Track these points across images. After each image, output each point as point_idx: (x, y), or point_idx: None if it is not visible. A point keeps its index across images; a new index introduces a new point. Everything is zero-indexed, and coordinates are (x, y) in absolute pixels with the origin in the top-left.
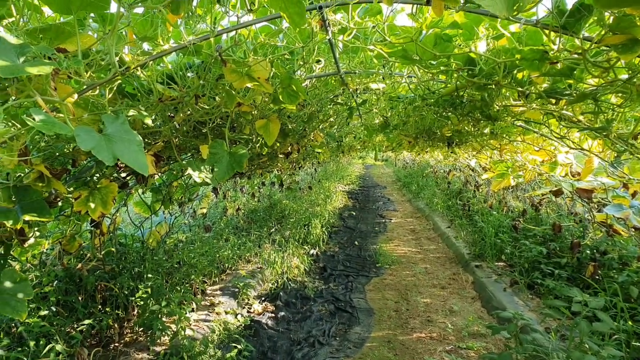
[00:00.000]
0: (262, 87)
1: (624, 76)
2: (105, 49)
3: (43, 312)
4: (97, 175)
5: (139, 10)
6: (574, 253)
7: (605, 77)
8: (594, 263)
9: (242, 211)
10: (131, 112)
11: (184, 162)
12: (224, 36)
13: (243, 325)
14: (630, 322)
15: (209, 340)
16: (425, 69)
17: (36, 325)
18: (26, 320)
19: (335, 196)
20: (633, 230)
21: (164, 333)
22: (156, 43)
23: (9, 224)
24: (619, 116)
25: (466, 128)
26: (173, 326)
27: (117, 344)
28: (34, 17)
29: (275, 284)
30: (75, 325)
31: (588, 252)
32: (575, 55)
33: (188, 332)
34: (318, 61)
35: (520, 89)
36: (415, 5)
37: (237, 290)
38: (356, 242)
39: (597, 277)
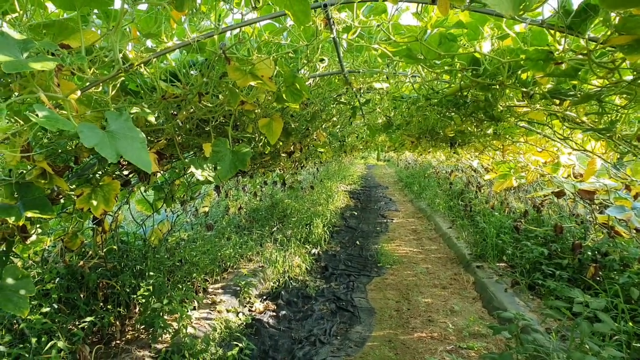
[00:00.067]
0: (265, 86)
1: (629, 77)
2: (109, 45)
3: (45, 309)
4: (100, 172)
5: (143, 6)
6: (575, 254)
7: (610, 78)
8: (595, 264)
9: (244, 210)
10: (134, 110)
11: (186, 160)
12: (228, 34)
13: (244, 323)
14: (630, 323)
15: (211, 339)
16: (430, 69)
17: (38, 322)
18: (28, 317)
19: (337, 196)
20: (634, 231)
21: (165, 331)
22: (160, 40)
23: (11, 220)
24: (623, 117)
25: (469, 128)
26: (175, 324)
27: (118, 342)
28: (38, 13)
29: (277, 283)
30: (77, 323)
31: (589, 253)
32: (580, 56)
33: (190, 330)
34: (322, 60)
35: (524, 89)
36: (420, 4)
37: (238, 288)
38: (358, 242)
39: (598, 278)
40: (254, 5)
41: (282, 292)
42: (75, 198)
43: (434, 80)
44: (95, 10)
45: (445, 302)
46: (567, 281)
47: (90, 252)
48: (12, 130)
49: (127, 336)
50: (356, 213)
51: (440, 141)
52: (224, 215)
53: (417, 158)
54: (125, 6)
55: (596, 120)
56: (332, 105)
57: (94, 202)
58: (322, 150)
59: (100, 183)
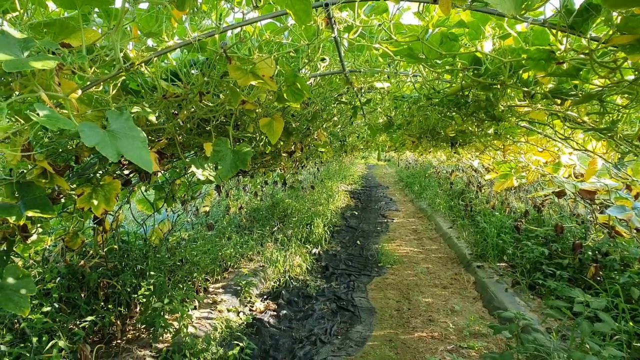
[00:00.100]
0: (266, 85)
1: (631, 77)
2: (110, 44)
3: (46, 309)
4: (100, 172)
5: (144, 5)
6: (575, 254)
7: (611, 78)
8: (596, 264)
9: (245, 210)
10: (135, 109)
11: (187, 159)
12: (229, 33)
13: (245, 323)
14: (631, 323)
15: (211, 338)
16: (431, 68)
17: (39, 321)
18: (29, 317)
19: (338, 196)
20: (635, 231)
21: (166, 330)
22: (161, 39)
23: (12, 220)
24: (625, 117)
25: (470, 128)
26: (175, 323)
27: (119, 341)
28: (38, 12)
29: (278, 283)
30: (78, 322)
31: (590, 253)
32: (582, 56)
33: (190, 329)
34: (323, 59)
35: (525, 89)
36: (422, 4)
37: (239, 288)
38: (358, 242)
39: (598, 278)
40: (255, 5)
41: (283, 292)
42: (76, 197)
43: (435, 80)
44: (96, 9)
45: (446, 301)
46: (567, 281)
47: (91, 252)
48: (12, 130)
49: (128, 335)
50: (357, 213)
51: (441, 141)
52: (225, 214)
53: (417, 158)
54: (126, 5)
55: (597, 120)
56: (333, 105)
57: (95, 202)
58: (322, 150)
59: (101, 182)
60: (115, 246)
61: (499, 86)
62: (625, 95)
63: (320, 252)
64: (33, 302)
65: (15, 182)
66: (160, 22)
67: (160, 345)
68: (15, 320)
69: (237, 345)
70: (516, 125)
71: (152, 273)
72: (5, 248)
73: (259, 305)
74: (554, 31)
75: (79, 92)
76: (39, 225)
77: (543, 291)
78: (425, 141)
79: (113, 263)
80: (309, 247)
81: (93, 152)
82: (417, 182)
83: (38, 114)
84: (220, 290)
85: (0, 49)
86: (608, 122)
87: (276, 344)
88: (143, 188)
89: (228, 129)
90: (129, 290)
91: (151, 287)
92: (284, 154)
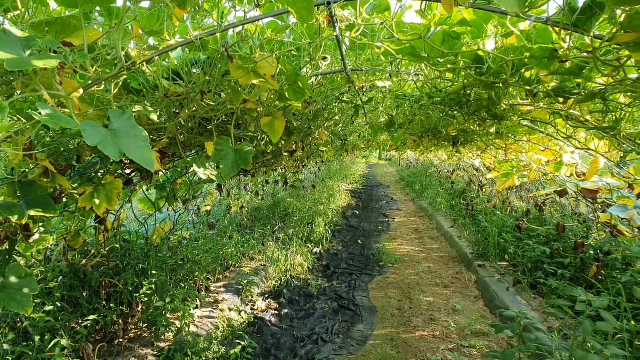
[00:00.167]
0: (268, 84)
1: (634, 75)
2: (112, 43)
3: (48, 308)
4: (102, 171)
5: (146, 4)
6: (577, 253)
7: (615, 77)
8: (598, 263)
9: (246, 209)
10: (137, 108)
11: (189, 159)
12: (231, 32)
13: (247, 322)
14: (633, 322)
15: (213, 337)
16: (433, 67)
17: (41, 320)
18: (31, 316)
19: (339, 195)
20: (637, 230)
21: (168, 329)
22: (162, 38)
23: (14, 219)
24: (628, 116)
25: (472, 127)
26: (177, 322)
27: (121, 340)
28: (40, 10)
29: (279, 282)
30: (80, 321)
31: (592, 252)
32: (585, 54)
33: (192, 328)
34: (324, 58)
35: (528, 87)
36: (424, 2)
37: (241, 287)
38: (359, 241)
39: (600, 277)
40: (256, 3)
41: (285, 291)
42: (78, 197)
43: (437, 79)
44: (98, 8)
45: (447, 301)
46: (569, 280)
47: (93, 251)
48: (14, 129)
49: (130, 334)
50: (358, 212)
51: (443, 140)
52: (226, 214)
53: (418, 157)
54: (128, 4)
55: (600, 118)
56: (334, 104)
57: (97, 201)
58: (324, 149)
59: (102, 182)
60: (117, 245)
61: (501, 85)
62: (629, 94)
63: (322, 251)
64: (35, 301)
65: (17, 181)
66: (161, 20)
67: (162, 344)
68: (18, 319)
69: (239, 344)
70: (518, 124)
71: (153, 272)
72: (7, 247)
73: (261, 304)
74: (557, 29)
75: (81, 91)
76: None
77: (545, 290)
78: (427, 140)
79: (115, 262)
80: (310, 246)
81: (95, 152)
82: (419, 181)
83: (40, 113)
84: (222, 289)
85: (2, 47)
86: (611, 120)
87: (278, 343)
88: (145, 187)
89: (230, 128)
90: (130, 289)
91: (153, 286)
92: (285, 153)
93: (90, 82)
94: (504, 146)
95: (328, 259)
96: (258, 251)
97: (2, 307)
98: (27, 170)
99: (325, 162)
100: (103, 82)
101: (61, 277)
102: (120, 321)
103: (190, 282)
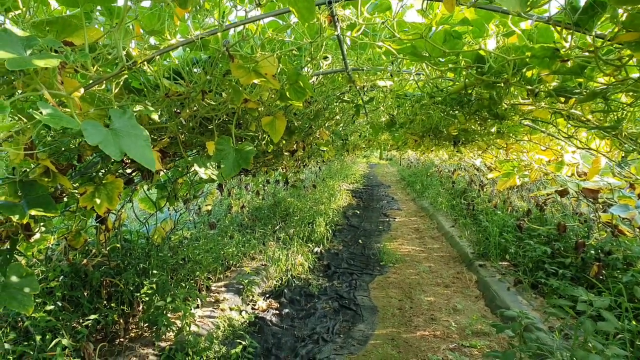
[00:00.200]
0: (269, 84)
1: (636, 75)
2: (112, 42)
3: (49, 307)
4: (103, 170)
5: (146, 3)
6: (578, 253)
7: (616, 76)
8: (599, 263)
9: (247, 209)
10: (137, 108)
11: (190, 158)
12: (232, 31)
13: (247, 321)
14: (634, 322)
15: (214, 336)
16: (434, 66)
17: (42, 319)
18: (32, 315)
19: (340, 195)
20: (638, 230)
21: (169, 329)
22: (163, 37)
23: (15, 218)
24: (629, 115)
25: (473, 127)
26: (178, 322)
27: (122, 339)
28: (41, 10)
29: (280, 281)
30: (81, 320)
31: (592, 252)
32: (587, 53)
33: (193, 328)
34: (325, 57)
35: (529, 87)
36: (425, 1)
37: (241, 287)
38: (360, 241)
39: (601, 277)
40: (257, 2)
41: (285, 291)
42: (79, 196)
43: (438, 78)
44: (99, 7)
45: (448, 300)
46: (570, 280)
47: (94, 251)
48: (15, 128)
49: (131, 334)
50: (358, 212)
51: (444, 140)
52: (227, 213)
53: (419, 157)
54: (129, 3)
55: (602, 118)
56: (335, 104)
57: (98, 201)
58: (324, 148)
59: (103, 181)
60: (118, 245)
61: (502, 84)
62: (630, 93)
63: (322, 250)
64: (36, 300)
65: (18, 180)
66: (162, 20)
67: (163, 344)
68: (19, 319)
69: (240, 343)
70: (519, 123)
71: (154, 272)
72: (8, 246)
73: (262, 303)
74: (558, 29)
75: (82, 90)
76: (41, 224)
77: (545, 290)
78: (428, 140)
79: (116, 262)
80: (311, 245)
81: (96, 151)
82: (419, 181)
83: (41, 113)
84: (223, 288)
85: (3, 47)
86: (612, 120)
87: (279, 343)
88: (145, 187)
89: (230, 128)
90: (131, 288)
91: (154, 285)
92: (286, 153)
93: (91, 81)
94: (505, 146)
95: (329, 258)
96: (259, 251)
97: (3, 307)
98: (28, 170)
99: (325, 162)
100: (104, 82)
101: (62, 277)
102: (121, 321)
103: (191, 281)
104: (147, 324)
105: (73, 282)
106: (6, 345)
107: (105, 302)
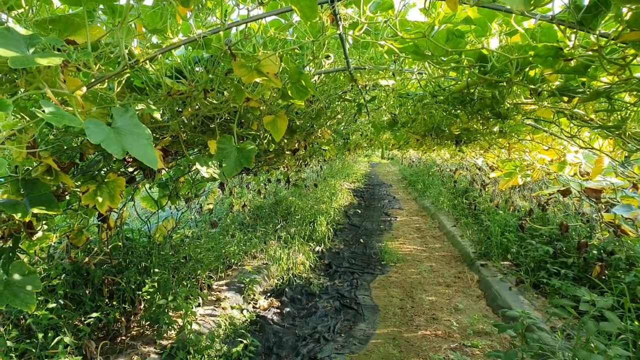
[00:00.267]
0: (271, 82)
1: None
2: (115, 41)
3: (51, 305)
4: (105, 169)
5: (149, 2)
6: (580, 253)
7: (620, 75)
8: (601, 263)
9: (248, 208)
10: (139, 106)
11: (191, 157)
12: (234, 30)
13: (249, 320)
14: (637, 322)
15: (215, 335)
16: (436, 66)
17: (44, 317)
18: (35, 313)
19: (341, 194)
20: None
21: (170, 327)
22: (165, 36)
23: (17, 216)
24: (633, 115)
25: (475, 126)
26: (179, 320)
27: (124, 337)
28: (43, 8)
29: (281, 280)
30: (83, 318)
31: (595, 252)
32: (591, 52)
33: (194, 326)
34: (327, 56)
35: (532, 86)
36: (428, 0)
37: (243, 285)
38: (361, 240)
39: (603, 277)
40: (260, 1)
41: (286, 289)
42: (81, 195)
43: (440, 77)
44: (101, 6)
45: (450, 300)
46: (572, 280)
47: (96, 249)
48: (18, 127)
49: (133, 332)
50: (360, 211)
51: (446, 139)
52: (228, 212)
53: (421, 156)
54: (131, 2)
55: (605, 117)
56: (337, 103)
57: (100, 199)
58: (326, 148)
59: (105, 180)
60: (120, 243)
61: (505, 84)
62: (634, 93)
63: (324, 250)
64: (39, 298)
65: (20, 179)
66: (165, 19)
67: (164, 342)
68: (21, 316)
69: (241, 342)
70: (522, 123)
71: (156, 270)
72: (11, 245)
73: (263, 302)
74: (562, 27)
75: (84, 89)
76: (44, 222)
77: (547, 290)
78: (430, 139)
79: (117, 260)
80: (312, 245)
81: (98, 150)
82: (421, 180)
83: (44, 111)
84: (224, 287)
85: (6, 45)
86: (616, 119)
87: (280, 341)
88: (147, 185)
89: (232, 127)
90: (133, 287)
91: (155, 284)
92: (287, 152)
93: (93, 80)
94: (507, 145)
95: (330, 257)
96: (260, 250)
97: (5, 304)
98: (30, 168)
99: (327, 161)
100: (106, 80)
101: (64, 275)
102: (123, 319)
103: (193, 280)
104: (148, 322)
105: (75, 280)
106: (9, 343)
107: (107, 300)
